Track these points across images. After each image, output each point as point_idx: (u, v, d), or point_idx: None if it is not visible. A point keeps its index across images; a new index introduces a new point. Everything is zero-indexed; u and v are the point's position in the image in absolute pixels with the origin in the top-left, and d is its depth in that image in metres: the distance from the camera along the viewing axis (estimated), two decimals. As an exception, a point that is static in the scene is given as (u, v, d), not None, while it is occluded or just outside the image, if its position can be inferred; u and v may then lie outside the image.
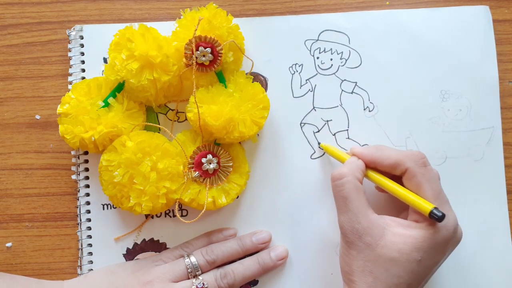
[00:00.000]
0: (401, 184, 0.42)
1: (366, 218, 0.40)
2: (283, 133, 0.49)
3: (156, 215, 0.49)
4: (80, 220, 0.48)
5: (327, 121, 0.49)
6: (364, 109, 0.49)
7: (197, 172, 0.45)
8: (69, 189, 0.49)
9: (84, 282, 0.46)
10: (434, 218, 0.39)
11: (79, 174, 0.49)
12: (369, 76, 0.49)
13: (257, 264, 0.46)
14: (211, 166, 0.45)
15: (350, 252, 0.41)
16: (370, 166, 0.43)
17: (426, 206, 0.39)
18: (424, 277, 0.40)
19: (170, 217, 0.49)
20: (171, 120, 0.49)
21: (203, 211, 0.45)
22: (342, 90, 0.49)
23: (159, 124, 0.48)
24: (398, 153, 0.42)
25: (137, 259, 0.48)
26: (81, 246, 0.48)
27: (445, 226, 0.40)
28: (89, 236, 0.48)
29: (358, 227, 0.40)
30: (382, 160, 0.42)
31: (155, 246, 0.48)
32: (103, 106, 0.46)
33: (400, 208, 0.44)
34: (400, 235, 0.39)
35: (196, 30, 0.44)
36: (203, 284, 0.44)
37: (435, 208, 0.39)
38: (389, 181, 0.42)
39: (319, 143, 0.48)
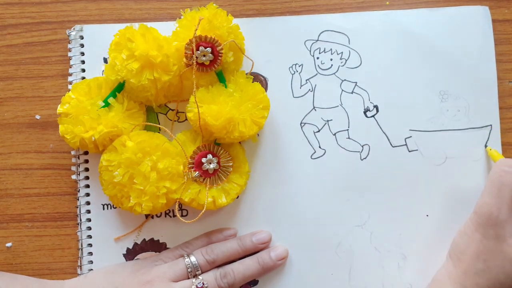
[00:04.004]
0: None
1: (509, 212, 0.41)
2: (283, 133, 0.49)
3: (156, 215, 0.49)
4: (80, 220, 0.48)
5: (327, 121, 0.49)
6: (365, 112, 0.49)
7: (197, 172, 0.45)
8: (69, 189, 0.49)
9: (85, 282, 0.46)
10: None
11: (79, 174, 0.49)
12: (369, 76, 0.49)
13: (257, 264, 0.46)
14: (211, 166, 0.45)
15: (475, 234, 0.41)
16: None
17: None
18: None
19: (170, 217, 0.49)
20: (171, 120, 0.49)
21: (203, 211, 0.45)
22: (342, 90, 0.49)
23: (159, 124, 0.48)
24: None
25: (137, 259, 0.48)
26: (81, 246, 0.48)
27: None
28: (89, 236, 0.48)
29: (497, 216, 0.41)
30: None
31: (155, 246, 0.48)
32: (103, 106, 0.46)
33: None
34: None
35: (196, 30, 0.44)
36: (203, 283, 0.44)
37: None
38: None
39: (485, 146, 0.48)
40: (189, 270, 0.45)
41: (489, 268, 0.40)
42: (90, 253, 0.48)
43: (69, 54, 0.50)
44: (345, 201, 0.48)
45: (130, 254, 0.48)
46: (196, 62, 0.44)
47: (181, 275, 0.45)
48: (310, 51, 0.49)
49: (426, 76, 0.49)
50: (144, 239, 0.48)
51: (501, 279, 0.40)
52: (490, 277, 0.40)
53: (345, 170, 0.48)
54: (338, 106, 0.49)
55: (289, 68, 0.49)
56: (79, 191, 0.49)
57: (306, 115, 0.49)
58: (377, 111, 0.49)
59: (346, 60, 0.49)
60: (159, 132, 0.47)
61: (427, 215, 0.48)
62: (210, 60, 0.45)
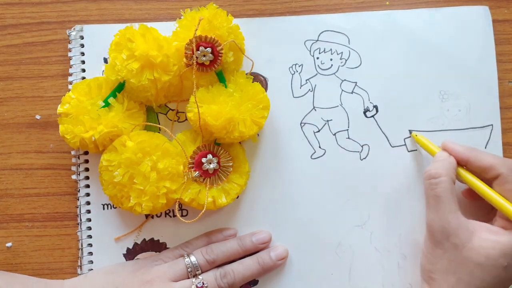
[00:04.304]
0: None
1: (456, 219, 0.41)
2: (283, 133, 0.49)
3: (156, 215, 0.49)
4: (80, 220, 0.48)
5: (327, 121, 0.49)
6: (365, 112, 0.49)
7: (197, 172, 0.45)
8: (69, 189, 0.49)
9: (84, 282, 0.46)
10: None
11: (79, 174, 0.49)
12: (369, 76, 0.49)
13: (257, 264, 0.46)
14: (211, 166, 0.45)
15: (435, 250, 0.41)
16: (460, 164, 0.44)
17: None
18: (507, 284, 0.41)
19: (170, 217, 0.49)
20: (171, 120, 0.49)
21: (203, 211, 0.45)
22: (342, 90, 0.49)
23: (159, 124, 0.49)
24: (493, 157, 0.43)
25: (137, 259, 0.48)
26: (81, 246, 0.48)
27: None
28: (89, 236, 0.48)
29: (447, 227, 0.41)
30: (476, 161, 0.43)
31: (155, 246, 0.48)
32: (104, 106, 0.46)
33: (483, 214, 0.45)
34: (488, 240, 0.40)
35: (196, 30, 0.44)
36: (203, 283, 0.44)
37: None
38: (482, 183, 0.43)
39: (410, 132, 0.48)
40: (189, 270, 0.45)
41: (461, 279, 0.40)
42: (90, 253, 0.48)
43: (69, 54, 0.50)
44: (345, 201, 0.48)
45: (130, 254, 0.48)
46: (196, 62, 0.45)
47: (181, 275, 0.45)
48: (310, 51, 0.49)
49: (426, 76, 0.49)
50: (144, 239, 0.48)
51: (477, 284, 0.40)
52: (465, 286, 0.40)
53: (345, 170, 0.48)
54: (338, 106, 0.49)
55: (289, 68, 0.49)
56: (79, 191, 0.49)
57: (306, 115, 0.49)
58: (377, 111, 0.49)
59: (346, 60, 0.49)
60: (159, 132, 0.47)
61: (427, 215, 0.48)
62: (210, 60, 0.45)
